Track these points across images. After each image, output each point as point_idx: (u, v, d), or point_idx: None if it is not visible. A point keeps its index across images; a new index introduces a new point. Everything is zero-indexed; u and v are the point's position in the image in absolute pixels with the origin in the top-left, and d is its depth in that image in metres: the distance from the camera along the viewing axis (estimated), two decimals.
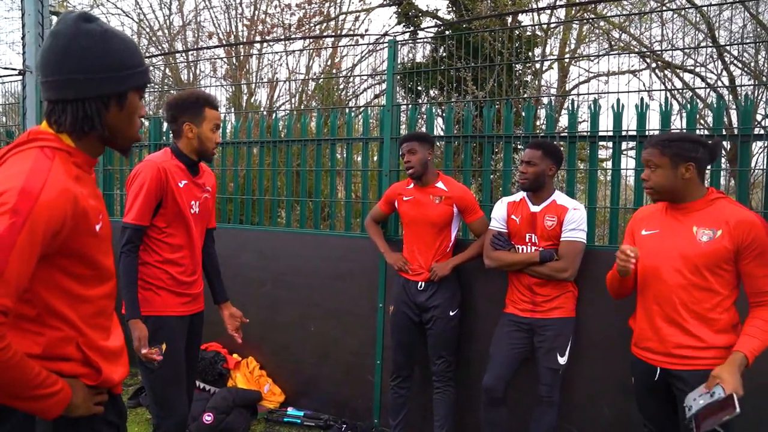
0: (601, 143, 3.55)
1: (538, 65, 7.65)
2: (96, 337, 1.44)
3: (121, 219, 5.26)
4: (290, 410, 4.02)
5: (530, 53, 7.52)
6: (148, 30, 12.81)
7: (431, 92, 6.98)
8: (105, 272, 1.46)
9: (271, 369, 4.25)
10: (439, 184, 3.32)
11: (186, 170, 2.59)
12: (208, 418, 3.66)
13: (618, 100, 3.35)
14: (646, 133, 3.30)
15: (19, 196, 1.20)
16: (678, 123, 4.92)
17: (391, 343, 3.50)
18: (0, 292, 1.16)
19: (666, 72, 7.93)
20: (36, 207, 1.21)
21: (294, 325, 4.15)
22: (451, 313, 3.30)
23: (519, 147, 3.98)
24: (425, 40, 6.67)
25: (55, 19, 13.20)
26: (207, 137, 2.57)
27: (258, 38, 10.54)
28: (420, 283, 3.32)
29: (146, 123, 5.71)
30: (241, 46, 10.39)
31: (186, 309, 2.62)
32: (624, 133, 3.35)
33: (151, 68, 12.37)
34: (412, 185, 3.38)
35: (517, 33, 6.46)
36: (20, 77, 5.58)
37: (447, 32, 7.21)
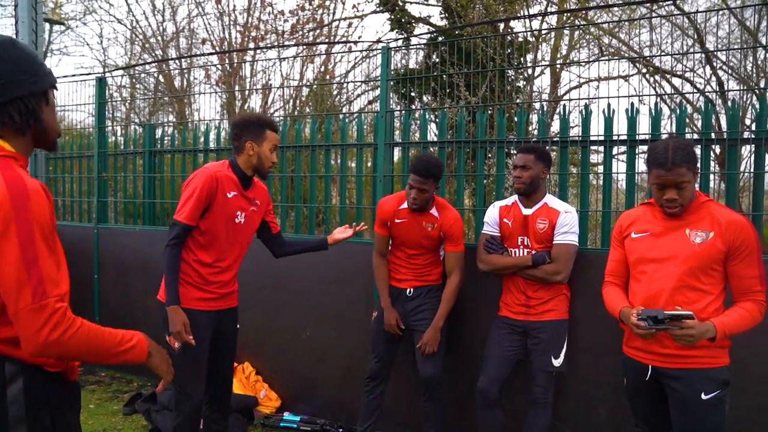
0: (592, 147, 3.60)
1: (530, 71, 7.73)
2: None
3: (115, 225, 5.27)
4: (286, 415, 4.03)
5: (522, 59, 7.59)
6: (141, 37, 12.82)
7: (424, 98, 7.03)
8: (62, 254, 1.60)
9: (267, 374, 4.25)
10: (433, 211, 3.27)
11: (238, 183, 2.82)
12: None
13: (609, 105, 3.41)
14: (637, 137, 3.35)
15: (12, 202, 1.34)
16: (668, 127, 4.97)
17: (370, 348, 3.49)
18: (50, 288, 1.36)
19: (656, 77, 8.02)
20: (30, 203, 1.37)
21: (290, 330, 4.17)
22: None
23: (512, 152, 4.03)
24: (418, 46, 6.72)
25: (48, 26, 13.12)
26: (266, 156, 2.83)
27: (251, 45, 10.58)
28: (409, 289, 3.35)
29: (139, 129, 5.73)
30: (235, 52, 10.41)
31: (210, 305, 2.82)
32: (615, 138, 3.40)
33: (145, 75, 12.39)
34: (404, 206, 3.30)
35: (509, 39, 6.52)
36: None
37: (440, 39, 7.27)
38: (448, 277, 3.29)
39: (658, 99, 4.66)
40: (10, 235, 1.32)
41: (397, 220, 3.32)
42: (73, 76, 5.58)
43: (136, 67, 12.12)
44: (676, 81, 7.99)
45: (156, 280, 4.54)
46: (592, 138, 3.47)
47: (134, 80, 12.52)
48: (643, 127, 3.37)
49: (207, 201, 2.71)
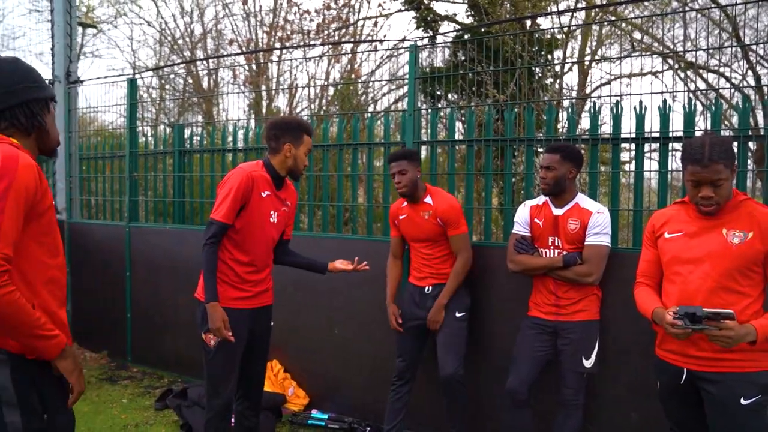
0: (623, 145, 3.53)
1: (558, 68, 7.62)
2: (50, 302, 1.70)
3: (145, 224, 5.35)
4: (314, 413, 4.05)
5: (549, 56, 7.49)
6: (169, 39, 13.03)
7: (450, 96, 6.99)
8: (58, 245, 1.76)
9: (295, 372, 4.29)
10: (427, 199, 3.36)
11: (271, 183, 2.89)
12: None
13: (641, 102, 3.34)
14: (670, 134, 3.28)
15: (1, 165, 1.53)
16: (701, 124, 4.86)
17: (395, 348, 3.52)
18: (3, 244, 1.49)
19: (688, 73, 7.84)
20: (16, 175, 1.54)
21: (318, 329, 4.19)
22: (458, 314, 3.31)
23: (539, 150, 3.98)
24: (446, 44, 6.69)
25: (80, 30, 13.42)
26: (301, 159, 2.91)
27: (277, 45, 10.65)
28: (427, 287, 3.38)
29: (168, 130, 5.82)
30: (261, 52, 10.50)
31: (246, 303, 2.87)
32: (647, 135, 3.33)
33: (173, 76, 12.58)
34: (405, 203, 3.44)
35: (537, 36, 6.43)
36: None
37: (466, 36, 7.22)
38: (456, 259, 3.33)
39: (692, 95, 4.56)
40: None
41: (400, 217, 3.46)
42: (105, 77, 5.69)
43: (165, 69, 12.32)
44: (711, 77, 7.80)
45: (185, 279, 4.63)
46: (623, 135, 3.41)
47: (163, 81, 12.73)
48: (676, 125, 3.29)
49: (243, 200, 2.76)
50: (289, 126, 2.90)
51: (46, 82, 1.82)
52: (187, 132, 5.45)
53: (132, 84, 5.36)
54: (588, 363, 2.98)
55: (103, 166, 5.95)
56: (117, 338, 5.30)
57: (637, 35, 8.56)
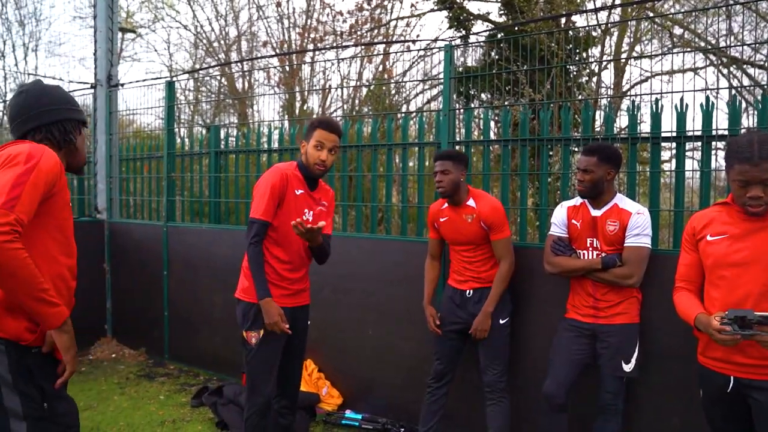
0: (664, 144, 3.45)
1: (594, 66, 7.48)
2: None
3: (182, 224, 5.44)
4: (348, 413, 4.06)
5: (585, 54, 7.36)
6: (205, 41, 13.27)
7: (483, 96, 6.93)
8: (72, 249, 1.93)
9: (329, 371, 4.31)
10: (470, 202, 3.28)
11: (304, 181, 2.93)
12: None
13: (682, 99, 3.25)
14: (713, 132, 3.18)
15: (28, 154, 1.74)
16: (746, 122, 4.70)
17: (433, 350, 3.49)
18: (20, 209, 1.64)
19: (731, 69, 7.58)
20: (41, 160, 1.74)
21: (352, 329, 4.20)
22: (501, 322, 3.25)
23: (576, 150, 3.91)
24: (480, 43, 6.64)
25: (120, 35, 13.79)
26: (310, 153, 2.87)
27: (310, 46, 10.74)
28: (468, 290, 3.32)
29: (204, 131, 5.93)
30: (294, 54, 10.60)
31: (285, 302, 2.89)
32: (690, 134, 3.24)
33: (209, 78, 12.80)
34: (446, 205, 3.37)
35: (572, 34, 6.33)
36: (92, 90, 5.87)
37: (500, 35, 7.15)
38: (499, 264, 3.26)
39: (735, 92, 4.41)
40: (18, 164, 1.70)
41: (441, 219, 3.40)
42: (144, 81, 5.83)
43: (201, 71, 12.55)
44: (757, 73, 7.51)
45: (221, 278, 4.70)
46: (663, 134, 3.32)
47: (199, 83, 12.97)
48: (720, 123, 3.19)
49: (279, 197, 2.82)
50: (308, 124, 2.95)
51: (78, 105, 2.05)
52: (222, 133, 5.53)
53: (170, 87, 5.47)
54: (628, 367, 2.91)
55: (141, 167, 6.09)
56: (154, 336, 5.42)
57: (677, 30, 8.33)
